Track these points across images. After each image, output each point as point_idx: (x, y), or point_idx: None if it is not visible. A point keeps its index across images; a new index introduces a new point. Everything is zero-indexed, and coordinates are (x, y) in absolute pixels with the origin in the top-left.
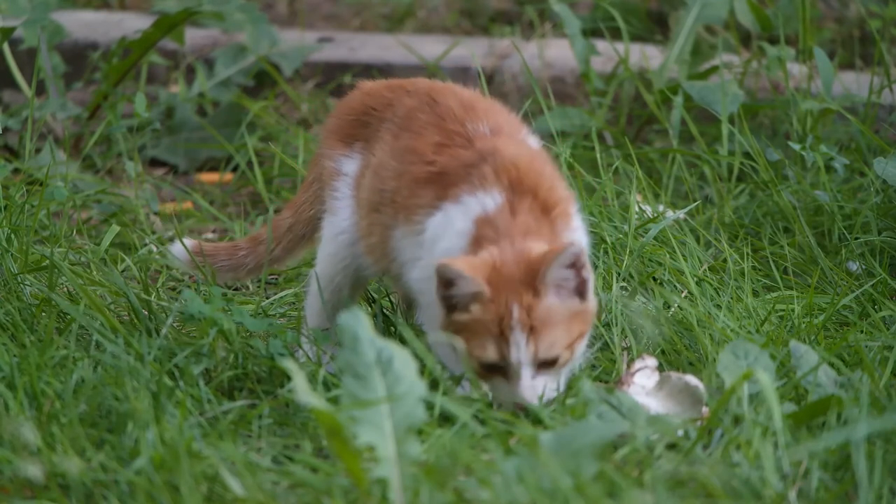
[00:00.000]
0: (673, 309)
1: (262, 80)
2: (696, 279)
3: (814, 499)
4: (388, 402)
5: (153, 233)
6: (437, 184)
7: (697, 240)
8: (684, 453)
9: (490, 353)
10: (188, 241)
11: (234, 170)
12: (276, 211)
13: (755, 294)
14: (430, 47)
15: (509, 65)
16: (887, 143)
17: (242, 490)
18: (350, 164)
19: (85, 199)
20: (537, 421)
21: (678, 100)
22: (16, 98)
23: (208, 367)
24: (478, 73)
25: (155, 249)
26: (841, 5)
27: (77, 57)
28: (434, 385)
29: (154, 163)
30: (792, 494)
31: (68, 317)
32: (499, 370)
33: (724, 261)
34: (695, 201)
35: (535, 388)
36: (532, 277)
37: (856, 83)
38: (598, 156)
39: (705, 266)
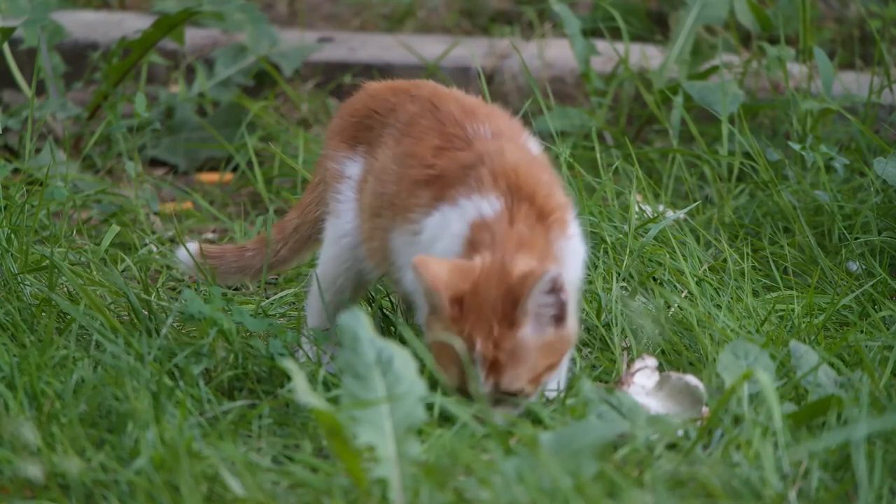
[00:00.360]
0: (673, 309)
1: (262, 80)
2: (696, 279)
3: (814, 499)
4: (388, 402)
5: (153, 233)
6: (435, 185)
7: (697, 240)
8: (684, 453)
9: (452, 377)
10: (194, 244)
11: (234, 170)
12: (277, 211)
13: (755, 294)
14: (430, 47)
15: (509, 65)
16: (887, 143)
17: (242, 490)
18: (353, 167)
19: (85, 199)
20: (537, 421)
21: (678, 100)
22: (16, 98)
23: (208, 367)
24: (478, 73)
25: (155, 249)
26: (841, 5)
27: (77, 57)
28: (434, 385)
29: (154, 163)
30: (792, 494)
31: (68, 317)
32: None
33: (724, 261)
34: (695, 201)
35: (497, 416)
36: (508, 305)
37: (856, 83)
38: (598, 156)
39: (705, 266)
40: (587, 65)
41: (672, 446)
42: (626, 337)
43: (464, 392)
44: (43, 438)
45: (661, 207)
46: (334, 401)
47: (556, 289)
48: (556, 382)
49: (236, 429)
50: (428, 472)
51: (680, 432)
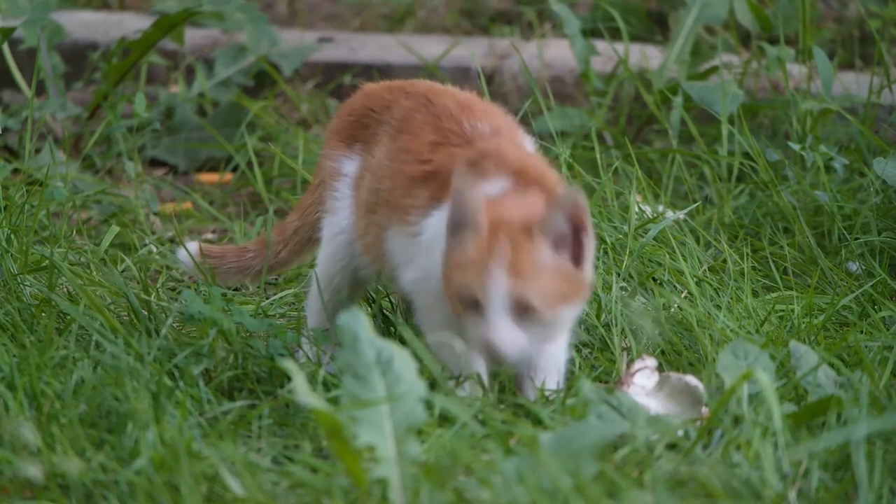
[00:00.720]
0: (673, 309)
1: (262, 81)
2: (695, 279)
3: (814, 499)
4: (387, 402)
5: (153, 233)
6: (433, 183)
7: (697, 240)
8: (684, 453)
9: (472, 283)
10: (194, 244)
11: (234, 170)
12: (276, 211)
13: (755, 294)
14: (430, 47)
15: (509, 65)
16: (887, 143)
17: (242, 490)
18: (350, 165)
19: (85, 199)
20: (537, 421)
21: (678, 100)
22: (16, 98)
23: (208, 368)
24: (478, 73)
25: (155, 250)
26: (840, 5)
27: (77, 57)
28: (434, 385)
29: (154, 163)
30: (792, 494)
31: (68, 317)
32: (477, 308)
33: (724, 261)
34: (694, 202)
35: (505, 331)
36: (529, 222)
37: (855, 83)
38: (597, 156)
39: (705, 266)
40: (587, 65)
41: (672, 446)
42: (625, 337)
43: (475, 307)
44: (43, 439)
45: (660, 208)
46: (334, 401)
47: (577, 223)
48: (555, 382)
49: (236, 429)
50: (428, 472)
51: (680, 432)
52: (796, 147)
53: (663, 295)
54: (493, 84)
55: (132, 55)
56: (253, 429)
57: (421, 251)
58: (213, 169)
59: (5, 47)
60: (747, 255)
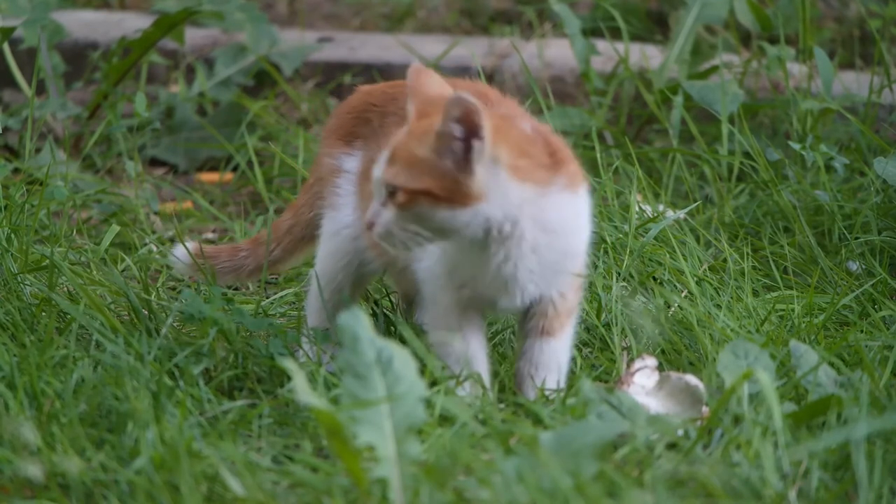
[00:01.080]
0: (673, 308)
1: (262, 80)
2: (696, 279)
3: (814, 498)
4: (388, 401)
5: (153, 232)
6: None
7: (697, 239)
8: (684, 453)
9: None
10: (190, 244)
11: (234, 169)
12: (277, 211)
13: (755, 294)
14: (430, 47)
15: (509, 64)
16: (887, 142)
17: (242, 490)
18: (351, 162)
19: (85, 198)
20: (537, 421)
21: (678, 99)
22: (16, 98)
23: (208, 367)
24: (478, 72)
25: (155, 249)
26: (841, 5)
27: (77, 56)
28: (434, 385)
29: (154, 162)
30: (792, 494)
31: (68, 316)
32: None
33: (724, 260)
34: (695, 201)
35: (376, 212)
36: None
37: (856, 83)
38: (598, 155)
39: (705, 266)
40: (587, 64)
41: (672, 446)
42: (626, 337)
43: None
44: (43, 438)
45: (661, 207)
46: (334, 401)
47: (467, 124)
48: (556, 381)
49: (236, 428)
50: (428, 472)
51: (680, 432)
52: (797, 146)
53: (663, 294)
54: (493, 84)
55: (132, 55)
56: (253, 428)
57: None
58: (214, 168)
59: (5, 47)
60: (747, 254)
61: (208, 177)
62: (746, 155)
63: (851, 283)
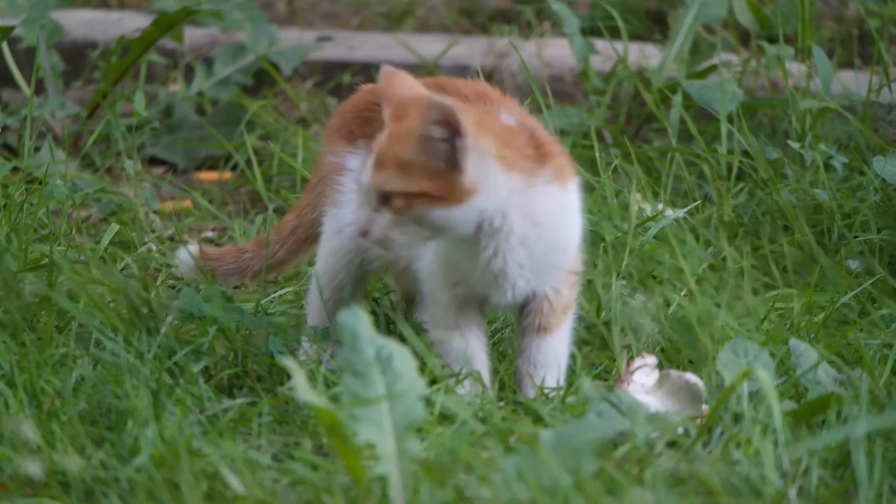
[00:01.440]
0: (672, 307)
1: (261, 79)
2: (695, 277)
3: (814, 496)
4: (387, 399)
5: (153, 231)
6: None
7: (697, 238)
8: (684, 451)
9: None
10: (193, 247)
11: (234, 168)
12: (276, 210)
13: (755, 292)
14: (429, 46)
15: (508, 64)
16: (886, 141)
17: (242, 488)
18: (354, 160)
19: (84, 197)
20: (537, 419)
21: (677, 98)
22: (15, 97)
23: (208, 365)
24: (477, 72)
25: (154, 248)
26: (839, 4)
27: (76, 56)
28: (434, 383)
29: (153, 161)
30: (792, 492)
31: (68, 315)
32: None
33: (724, 259)
34: (694, 200)
35: (369, 219)
36: (412, 125)
37: (855, 82)
38: (597, 154)
39: (705, 264)
40: (586, 64)
41: (672, 444)
42: (625, 335)
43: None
44: (43, 436)
45: (660, 206)
46: (334, 399)
47: (449, 125)
48: (555, 380)
49: (236, 427)
50: (428, 470)
51: (680, 430)
52: (796, 145)
53: (663, 293)
54: (492, 83)
55: (131, 54)
56: (253, 426)
57: None
58: (213, 167)
59: (4, 46)
60: (747, 253)
61: (207, 176)
62: (745, 154)
63: (851, 282)
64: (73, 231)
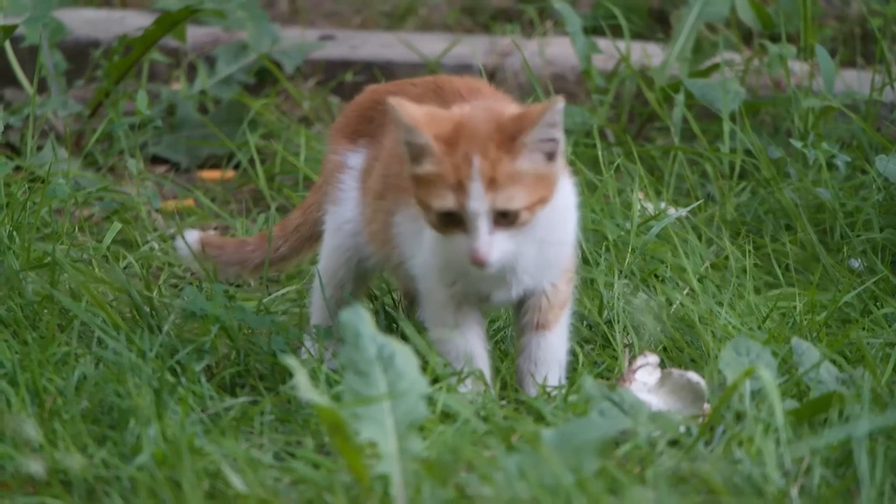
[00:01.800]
0: (675, 306)
1: (264, 78)
2: (697, 276)
3: (815, 495)
4: (389, 398)
5: (155, 230)
6: None
7: (699, 237)
8: (686, 450)
9: (448, 201)
10: (194, 233)
11: (236, 167)
12: (278, 209)
13: (757, 291)
14: (432, 45)
15: (510, 63)
16: (889, 140)
17: (244, 486)
18: (355, 158)
19: (87, 196)
20: (539, 417)
21: (680, 97)
22: (17, 96)
23: (210, 364)
24: (479, 71)
25: (157, 247)
26: (842, 3)
27: (78, 54)
28: (435, 381)
29: (155, 160)
30: (794, 491)
31: (70, 313)
32: (458, 224)
33: (726, 258)
34: (696, 199)
35: (490, 242)
36: (504, 135)
37: (857, 81)
38: (599, 153)
39: (707, 263)
40: (588, 62)
41: (674, 443)
42: (627, 334)
43: (455, 223)
44: (45, 435)
45: (662, 205)
46: (336, 397)
47: (557, 124)
48: (557, 378)
49: (238, 425)
50: (429, 469)
51: (682, 429)
52: (798, 144)
53: (665, 292)
54: (494, 82)
55: (134, 53)
56: (255, 425)
57: (424, 231)
58: (215, 166)
59: (7, 45)
60: (749, 252)
61: (210, 174)
62: (748, 153)
63: (853, 281)
64: (76, 230)
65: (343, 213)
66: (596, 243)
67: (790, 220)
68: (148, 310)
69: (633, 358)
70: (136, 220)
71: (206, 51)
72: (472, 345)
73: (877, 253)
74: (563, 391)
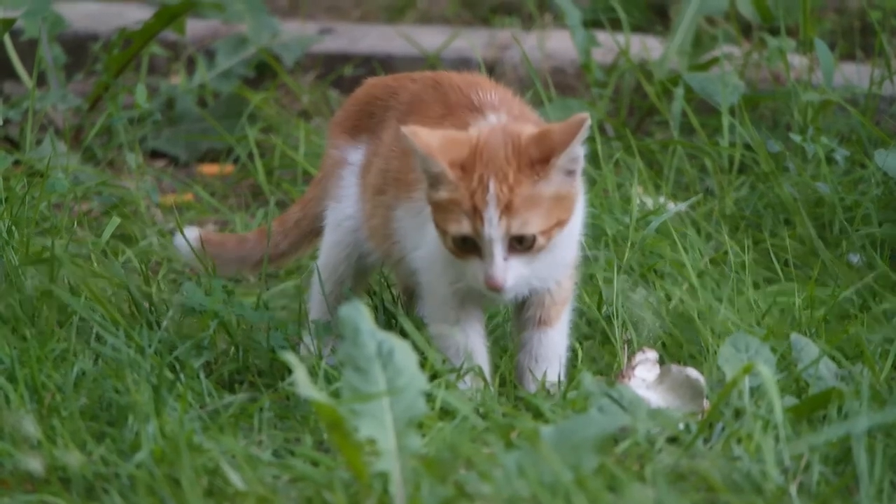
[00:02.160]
0: (674, 301)
1: (263, 72)
2: (697, 271)
3: (814, 492)
4: (388, 395)
5: (154, 224)
6: None
7: (698, 232)
8: (685, 447)
9: (464, 227)
10: (195, 230)
11: (235, 161)
12: (277, 203)
13: (756, 286)
14: (431, 38)
15: (510, 56)
16: (888, 134)
17: (243, 484)
18: (356, 154)
19: (86, 190)
20: (538, 414)
21: (679, 91)
22: (17, 89)
23: (209, 360)
24: (479, 64)
25: (156, 241)
26: None
27: (78, 48)
28: (435, 378)
29: (155, 154)
30: (793, 488)
31: (69, 309)
32: (474, 249)
33: (725, 253)
34: (696, 193)
35: (505, 269)
36: (524, 156)
37: (856, 74)
38: (598, 147)
39: (706, 258)
40: (588, 56)
41: (673, 440)
42: (626, 330)
43: (471, 248)
44: (43, 431)
45: (661, 199)
46: (335, 394)
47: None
48: (556, 374)
49: (237, 422)
50: (429, 466)
51: (681, 426)
52: (797, 138)
53: (664, 287)
54: (493, 75)
55: (133, 46)
56: (254, 422)
57: (426, 225)
58: (214, 160)
59: (6, 38)
60: (748, 246)
61: (209, 168)
62: (747, 147)
63: (852, 276)
64: (75, 224)
65: (343, 209)
66: (595, 238)
67: (789, 214)
68: (147, 305)
69: (632, 354)
70: (135, 215)
71: (206, 44)
72: (471, 341)
73: (876, 248)
74: (563, 388)
